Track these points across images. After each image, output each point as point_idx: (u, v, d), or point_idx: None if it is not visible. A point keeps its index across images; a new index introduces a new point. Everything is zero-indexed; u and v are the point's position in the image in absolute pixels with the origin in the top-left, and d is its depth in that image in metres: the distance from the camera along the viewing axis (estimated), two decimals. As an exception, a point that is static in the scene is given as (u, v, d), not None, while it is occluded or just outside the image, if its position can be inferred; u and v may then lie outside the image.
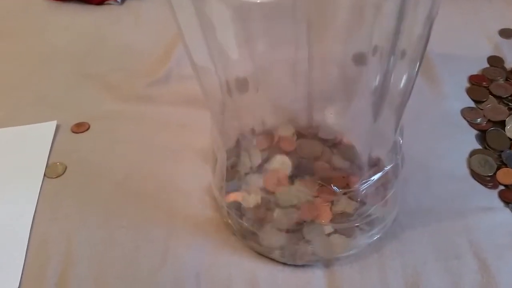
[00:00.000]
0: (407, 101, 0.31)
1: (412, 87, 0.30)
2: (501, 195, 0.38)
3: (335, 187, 0.32)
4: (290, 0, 0.26)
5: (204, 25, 0.27)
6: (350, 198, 0.33)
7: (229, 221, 0.36)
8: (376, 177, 0.32)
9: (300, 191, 0.34)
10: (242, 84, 0.34)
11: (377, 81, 0.29)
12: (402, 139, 0.35)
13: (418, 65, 0.30)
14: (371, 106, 0.31)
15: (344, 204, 0.34)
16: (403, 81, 0.30)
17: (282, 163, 0.35)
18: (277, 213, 0.34)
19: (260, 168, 0.36)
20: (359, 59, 0.30)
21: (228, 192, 0.36)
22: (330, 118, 0.38)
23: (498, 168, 0.40)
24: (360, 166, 0.34)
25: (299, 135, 0.38)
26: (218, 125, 0.35)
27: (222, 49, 0.29)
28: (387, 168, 0.33)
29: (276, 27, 0.28)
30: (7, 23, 0.60)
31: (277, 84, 0.35)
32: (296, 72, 0.33)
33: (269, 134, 0.38)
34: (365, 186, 0.32)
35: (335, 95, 0.36)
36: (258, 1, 0.25)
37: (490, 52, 0.52)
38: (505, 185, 0.39)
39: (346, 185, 0.34)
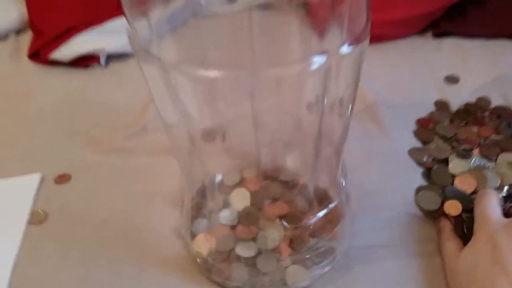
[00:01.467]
0: (344, 141, 0.36)
1: (347, 128, 0.35)
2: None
3: (285, 223, 0.36)
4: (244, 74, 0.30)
5: (170, 91, 0.31)
6: (303, 231, 0.37)
7: (197, 258, 0.39)
8: (322, 213, 0.36)
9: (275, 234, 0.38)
10: (208, 135, 0.39)
11: (315, 126, 0.34)
12: (345, 179, 0.39)
13: (350, 108, 0.34)
14: (313, 147, 0.35)
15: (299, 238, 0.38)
16: (338, 124, 0.35)
17: (243, 195, 0.38)
18: (239, 247, 0.38)
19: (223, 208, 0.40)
20: (311, 109, 0.35)
21: (194, 233, 0.40)
22: (288, 162, 0.43)
23: (443, 202, 0.43)
24: (309, 203, 0.38)
25: (262, 178, 0.43)
26: (185, 172, 0.40)
27: (185, 109, 0.33)
28: (331, 205, 0.37)
29: (235, 88, 0.33)
30: (3, 86, 0.66)
31: (240, 134, 0.40)
32: (255, 123, 0.38)
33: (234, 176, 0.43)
34: (312, 221, 0.36)
35: (292, 141, 0.41)
36: (212, 76, 0.30)
37: (436, 97, 0.57)
38: (452, 216, 0.42)
39: (297, 221, 0.38)
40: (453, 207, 0.42)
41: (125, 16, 0.31)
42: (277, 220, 0.39)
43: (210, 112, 0.36)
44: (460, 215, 0.41)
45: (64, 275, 0.40)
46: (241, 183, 0.43)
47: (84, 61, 0.66)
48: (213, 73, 0.28)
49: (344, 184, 0.39)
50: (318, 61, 0.28)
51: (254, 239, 0.39)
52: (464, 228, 0.40)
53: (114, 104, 0.60)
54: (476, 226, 0.37)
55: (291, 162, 0.43)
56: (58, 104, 0.61)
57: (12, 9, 0.79)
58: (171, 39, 0.32)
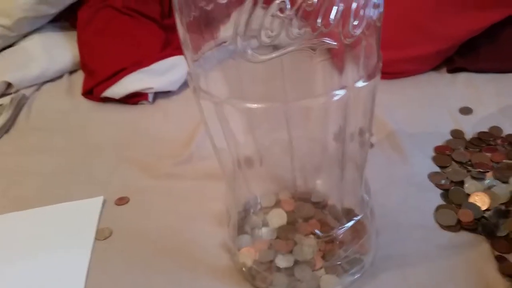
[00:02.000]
0: (365, 163, 0.42)
1: (367, 152, 0.41)
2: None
3: (318, 232, 0.42)
4: (278, 105, 0.36)
5: (221, 119, 0.38)
6: (333, 241, 0.42)
7: (242, 268, 0.45)
8: (349, 224, 0.42)
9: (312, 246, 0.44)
10: (249, 161, 0.45)
11: (339, 152, 0.40)
12: (369, 197, 0.45)
13: (368, 136, 0.41)
14: (339, 170, 0.41)
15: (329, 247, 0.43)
16: (358, 149, 0.41)
17: (279, 215, 0.45)
18: (278, 258, 0.44)
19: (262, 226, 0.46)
20: (338, 136, 0.42)
21: (239, 246, 0.46)
22: (317, 184, 0.49)
23: (459, 219, 0.48)
24: (338, 219, 0.44)
25: (296, 199, 0.49)
26: (231, 191, 0.46)
27: (233, 136, 0.40)
28: (358, 217, 0.43)
29: (271, 118, 0.40)
30: (60, 120, 0.75)
31: (275, 159, 0.47)
32: (288, 149, 0.45)
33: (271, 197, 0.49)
34: (342, 231, 0.42)
35: (318, 166, 0.47)
36: (254, 106, 0.36)
37: (452, 126, 0.62)
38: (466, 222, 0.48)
39: (328, 231, 0.44)
40: (465, 215, 0.48)
41: (186, 59, 0.38)
42: (311, 235, 0.45)
43: (250, 140, 0.43)
44: (473, 221, 0.47)
45: (129, 283, 0.46)
46: (277, 204, 0.49)
47: (134, 98, 0.75)
48: (254, 105, 0.34)
49: (368, 199, 0.44)
50: (339, 94, 0.34)
51: (291, 252, 0.45)
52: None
53: (161, 136, 0.67)
54: None
55: (321, 185, 0.49)
56: (111, 136, 0.69)
57: (66, 51, 0.89)
58: (215, 75, 0.39)
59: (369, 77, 0.35)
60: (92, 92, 0.77)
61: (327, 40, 0.30)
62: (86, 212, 0.54)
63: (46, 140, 0.70)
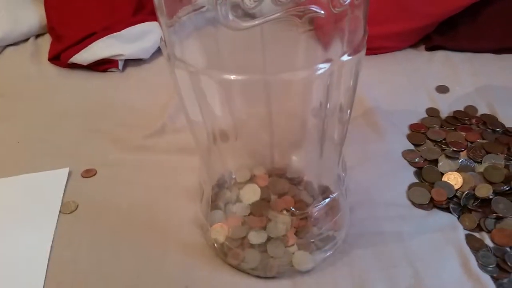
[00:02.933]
0: (344, 141, 0.41)
1: (346, 130, 0.40)
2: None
3: (293, 209, 0.41)
4: (258, 77, 0.35)
5: (197, 91, 0.36)
6: (307, 219, 0.42)
7: (214, 244, 0.44)
8: (324, 202, 0.42)
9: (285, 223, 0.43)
10: (224, 134, 0.44)
11: (319, 129, 0.39)
12: (345, 174, 0.44)
13: (349, 112, 0.40)
14: (317, 147, 0.40)
15: (303, 225, 0.43)
16: (339, 127, 0.40)
17: (253, 190, 0.44)
18: (251, 235, 0.43)
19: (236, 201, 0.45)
20: (316, 112, 0.40)
21: (211, 222, 0.45)
22: (293, 160, 0.48)
23: (432, 198, 0.49)
24: (313, 196, 0.43)
25: (271, 175, 0.48)
26: (205, 165, 0.45)
27: (209, 108, 0.38)
28: (334, 195, 0.42)
29: (249, 91, 0.38)
30: (24, 86, 0.71)
31: (252, 134, 0.45)
32: (266, 124, 0.44)
33: (245, 173, 0.48)
34: (316, 208, 0.41)
35: (298, 141, 0.46)
36: (232, 78, 0.34)
37: (428, 104, 0.62)
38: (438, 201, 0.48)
39: (302, 209, 0.43)
40: (438, 194, 0.49)
41: (160, 25, 0.35)
42: (284, 211, 0.44)
43: (227, 113, 0.41)
44: (446, 200, 0.48)
45: (95, 258, 0.44)
46: (251, 179, 0.48)
47: (103, 65, 0.71)
48: (233, 77, 0.33)
49: (344, 177, 0.44)
50: (322, 67, 0.32)
51: (264, 228, 0.44)
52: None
53: (132, 106, 0.65)
54: None
55: (297, 161, 0.48)
56: (79, 104, 0.66)
57: (32, 13, 0.83)
58: (192, 43, 0.37)
59: (354, 51, 0.34)
60: (59, 58, 0.73)
61: (314, 8, 0.28)
62: (51, 184, 0.52)
63: (9, 107, 0.66)
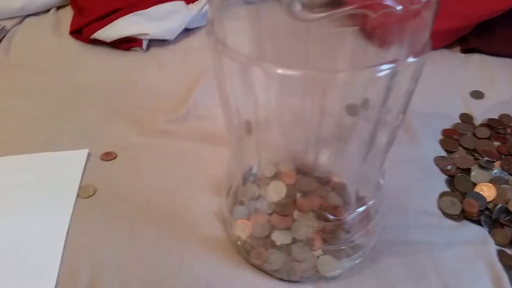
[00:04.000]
0: (390, 148, 0.39)
1: (395, 136, 0.38)
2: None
3: (329, 215, 0.39)
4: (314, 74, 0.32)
5: (245, 81, 0.33)
6: (339, 225, 0.40)
7: (237, 241, 0.43)
8: (360, 209, 0.40)
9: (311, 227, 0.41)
10: (258, 126, 0.42)
11: (368, 130, 0.37)
12: (384, 180, 0.42)
13: (402, 118, 0.37)
14: (361, 152, 0.38)
15: (333, 231, 0.41)
16: (388, 131, 0.38)
17: (278, 188, 0.42)
18: (274, 234, 0.41)
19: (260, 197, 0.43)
20: (352, 111, 0.38)
21: (234, 217, 0.43)
22: (324, 160, 0.46)
23: (463, 209, 0.47)
24: (347, 202, 0.41)
25: (298, 172, 0.46)
26: (236, 157, 0.42)
27: (254, 98, 0.36)
28: (370, 203, 0.40)
29: (298, 85, 0.36)
30: (43, 59, 0.69)
31: (284, 128, 0.43)
32: (299, 119, 0.41)
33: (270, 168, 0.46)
34: (351, 216, 0.39)
35: (330, 140, 0.44)
36: (289, 73, 0.32)
37: (461, 110, 0.60)
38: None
39: (336, 215, 0.41)
40: (469, 205, 0.47)
41: (209, 3, 0.33)
42: (311, 212, 0.42)
43: (268, 104, 0.38)
44: (477, 212, 0.46)
45: (112, 247, 0.43)
46: (277, 176, 0.46)
47: (126, 43, 0.69)
48: (290, 72, 0.30)
49: (382, 183, 0.42)
50: (386, 68, 0.30)
51: (289, 228, 0.42)
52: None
53: (154, 88, 0.62)
54: None
55: (325, 160, 0.46)
56: (100, 82, 0.64)
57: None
58: (239, 30, 0.34)
59: (419, 53, 0.31)
60: (81, 32, 0.71)
61: (391, 3, 0.26)
62: (69, 165, 0.50)
63: (27, 80, 0.64)
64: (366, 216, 0.40)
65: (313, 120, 0.42)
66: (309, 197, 0.44)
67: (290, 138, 0.44)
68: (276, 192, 0.44)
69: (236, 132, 0.40)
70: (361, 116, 0.36)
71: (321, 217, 0.40)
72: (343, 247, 0.40)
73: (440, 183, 0.50)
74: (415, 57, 0.30)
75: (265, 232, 0.42)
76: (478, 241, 0.44)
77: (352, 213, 0.39)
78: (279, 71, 0.30)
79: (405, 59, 0.30)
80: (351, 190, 0.41)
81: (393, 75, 0.30)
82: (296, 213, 0.43)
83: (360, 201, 0.40)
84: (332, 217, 0.39)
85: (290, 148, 0.45)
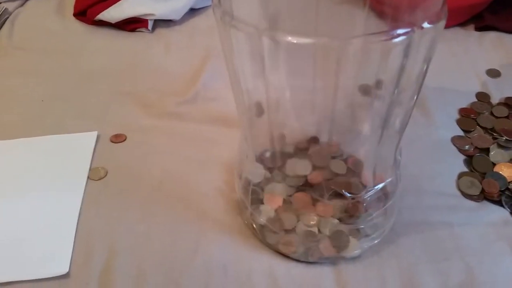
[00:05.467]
0: (405, 128, 0.38)
1: (410, 116, 0.37)
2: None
3: (346, 192, 0.38)
4: (328, 41, 0.31)
5: (255, 54, 0.32)
6: (356, 204, 0.39)
7: (253, 224, 0.42)
8: (378, 187, 0.38)
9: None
10: (271, 107, 0.40)
11: (382, 111, 0.35)
12: (401, 157, 0.41)
13: (415, 98, 0.36)
14: (376, 132, 0.37)
15: (351, 209, 0.40)
16: (403, 111, 0.36)
17: (304, 166, 0.40)
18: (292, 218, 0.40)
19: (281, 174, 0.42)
20: (365, 91, 0.37)
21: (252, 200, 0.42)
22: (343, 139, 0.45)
23: (483, 189, 0.46)
24: (365, 179, 0.40)
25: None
26: (247, 139, 0.41)
27: (265, 76, 0.35)
28: (388, 180, 0.39)
29: (298, 62, 0.34)
30: (47, 42, 0.67)
31: (296, 109, 0.42)
32: (311, 99, 0.40)
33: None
34: (369, 194, 0.38)
35: (344, 121, 0.43)
36: (301, 41, 0.31)
37: (478, 88, 0.58)
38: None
39: (353, 193, 0.40)
40: (489, 185, 0.46)
41: None
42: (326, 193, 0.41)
43: (281, 82, 0.37)
44: (498, 192, 0.45)
45: (127, 230, 0.42)
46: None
47: (132, 24, 0.67)
48: (304, 40, 0.29)
49: (400, 161, 0.40)
50: (402, 34, 0.29)
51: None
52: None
53: (162, 70, 0.61)
54: None
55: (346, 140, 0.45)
56: (106, 64, 0.62)
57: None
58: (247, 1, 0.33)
59: (435, 19, 0.30)
60: (85, 14, 0.69)
61: None
62: (79, 147, 0.49)
63: (32, 63, 0.63)
64: (384, 195, 0.39)
65: (326, 100, 0.40)
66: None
67: (303, 120, 0.43)
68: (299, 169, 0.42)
69: (247, 113, 0.38)
70: (375, 96, 0.35)
71: (338, 195, 0.39)
72: (362, 226, 0.39)
73: (458, 164, 0.49)
74: (431, 23, 0.29)
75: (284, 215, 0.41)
76: (499, 222, 0.43)
77: (369, 190, 0.38)
78: (290, 38, 0.28)
79: (420, 25, 0.28)
80: (367, 168, 0.39)
81: (408, 44, 0.29)
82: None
83: (378, 178, 0.39)
84: (349, 194, 0.38)
85: (304, 130, 0.44)
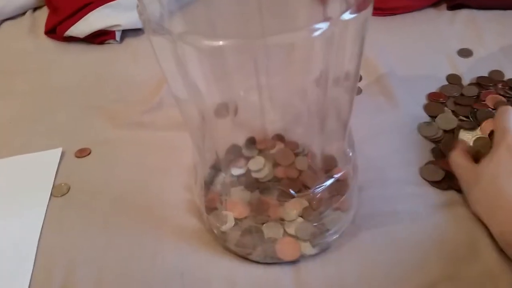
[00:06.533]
0: (350, 115, 0.37)
1: (353, 102, 0.36)
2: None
3: (292, 191, 0.38)
4: (248, 42, 0.30)
5: (179, 63, 0.32)
6: (306, 201, 0.38)
7: (213, 229, 0.41)
8: (328, 183, 0.38)
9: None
10: (222, 110, 0.40)
11: (319, 100, 0.35)
12: (353, 151, 0.40)
13: (354, 80, 0.35)
14: (317, 121, 0.36)
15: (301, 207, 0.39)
16: (343, 97, 0.35)
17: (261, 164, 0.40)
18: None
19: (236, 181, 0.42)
20: (318, 83, 0.36)
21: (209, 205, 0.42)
22: (298, 135, 0.44)
23: (446, 175, 0.44)
24: (315, 171, 0.39)
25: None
26: (196, 146, 0.41)
27: (194, 83, 0.34)
28: (338, 175, 0.38)
29: (242, 61, 0.34)
30: (20, 62, 0.68)
31: (251, 108, 0.41)
32: (265, 97, 0.40)
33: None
34: (319, 190, 0.38)
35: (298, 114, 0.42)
36: (217, 45, 0.30)
37: (449, 71, 0.57)
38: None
39: (302, 190, 0.39)
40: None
41: None
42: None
43: (219, 87, 0.37)
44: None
45: (87, 244, 0.42)
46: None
47: (100, 37, 0.68)
48: (218, 42, 0.28)
49: (351, 155, 0.40)
50: (321, 28, 0.27)
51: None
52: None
53: (130, 79, 0.61)
54: (496, 139, 0.40)
55: (299, 134, 0.44)
56: (76, 80, 0.63)
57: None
58: (181, 14, 0.33)
59: (358, 9, 0.29)
60: (55, 31, 0.70)
61: None
62: (43, 165, 0.49)
63: (4, 84, 0.64)
64: (337, 189, 0.38)
65: (279, 97, 0.40)
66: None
67: (259, 117, 0.42)
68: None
69: (194, 121, 0.38)
70: (309, 83, 0.34)
71: (284, 194, 0.38)
72: (315, 223, 0.38)
73: (424, 151, 0.47)
74: (353, 12, 0.28)
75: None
76: (461, 208, 0.42)
77: (319, 186, 0.37)
78: (207, 42, 0.28)
79: (341, 15, 0.27)
80: (316, 160, 0.39)
81: (331, 34, 0.28)
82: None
83: (328, 173, 0.38)
84: (294, 193, 0.37)
85: (259, 128, 0.44)
